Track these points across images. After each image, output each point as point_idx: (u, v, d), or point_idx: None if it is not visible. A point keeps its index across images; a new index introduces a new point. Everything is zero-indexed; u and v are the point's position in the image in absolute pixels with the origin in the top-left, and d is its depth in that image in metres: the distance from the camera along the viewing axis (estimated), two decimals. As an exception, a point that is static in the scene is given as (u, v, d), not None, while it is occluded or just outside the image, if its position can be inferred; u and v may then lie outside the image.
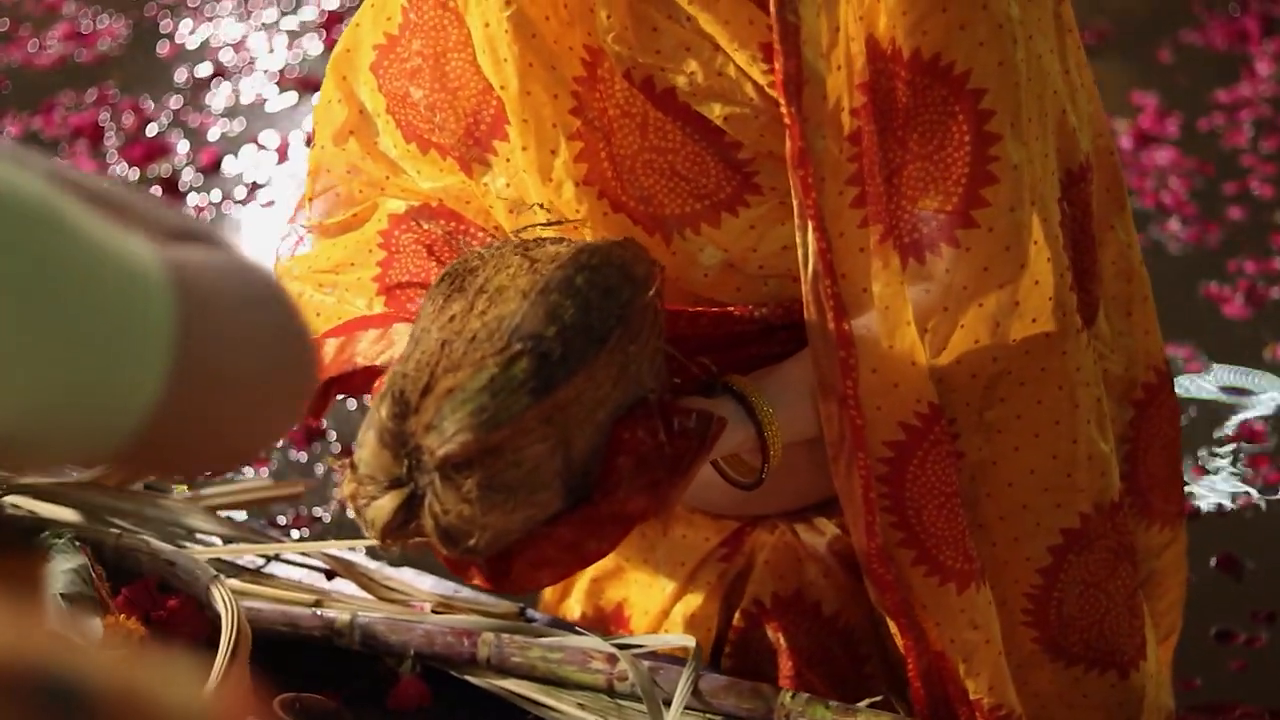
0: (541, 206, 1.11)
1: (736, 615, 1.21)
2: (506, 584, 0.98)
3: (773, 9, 1.00)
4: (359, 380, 1.11)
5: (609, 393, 0.97)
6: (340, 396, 1.19)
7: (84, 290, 0.54)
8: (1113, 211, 1.22)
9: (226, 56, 3.16)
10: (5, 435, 0.54)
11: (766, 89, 1.04)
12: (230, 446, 0.65)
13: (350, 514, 0.94)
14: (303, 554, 1.26)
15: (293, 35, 3.23)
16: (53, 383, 0.54)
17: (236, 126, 2.95)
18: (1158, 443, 1.26)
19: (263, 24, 3.27)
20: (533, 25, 1.06)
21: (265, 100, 3.02)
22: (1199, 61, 3.15)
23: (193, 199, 2.77)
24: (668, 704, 1.11)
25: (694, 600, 1.22)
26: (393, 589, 1.23)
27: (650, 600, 1.24)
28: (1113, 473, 1.14)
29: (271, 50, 3.19)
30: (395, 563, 1.29)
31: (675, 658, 1.16)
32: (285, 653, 1.17)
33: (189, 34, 3.23)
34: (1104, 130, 1.21)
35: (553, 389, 0.92)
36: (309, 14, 3.29)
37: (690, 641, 1.15)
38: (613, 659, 1.14)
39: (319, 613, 1.19)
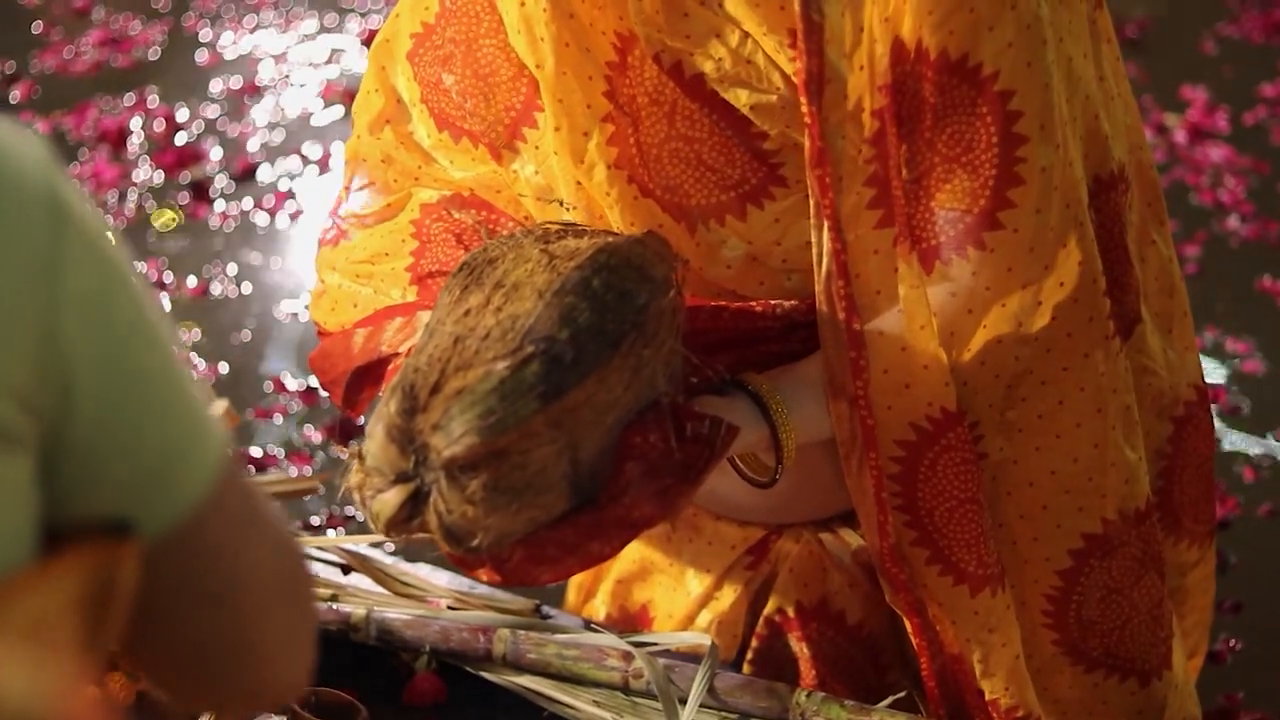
0: (563, 204, 1.14)
1: (760, 622, 1.23)
2: (506, 577, 1.00)
3: (797, 7, 1.01)
4: (385, 368, 1.13)
5: (620, 396, 0.98)
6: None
7: (171, 394, 0.62)
8: (1153, 225, 1.23)
9: (266, 68, 3.22)
10: (79, 440, 0.60)
11: (793, 77, 1.05)
12: (215, 644, 0.68)
13: (355, 503, 0.96)
14: (319, 548, 1.29)
15: (335, 51, 3.29)
16: (129, 422, 0.61)
17: (276, 137, 3.00)
18: (1193, 460, 1.27)
19: (303, 36, 3.33)
20: (570, 5, 1.08)
21: (310, 113, 3.08)
22: (1240, 54, 3.15)
23: (220, 205, 2.83)
24: (683, 702, 1.13)
25: (720, 607, 1.24)
26: (409, 584, 1.25)
27: (675, 604, 1.26)
28: (1139, 481, 1.15)
29: (312, 64, 3.25)
30: (411, 558, 1.32)
31: (691, 655, 1.19)
32: (301, 648, 1.20)
33: (230, 44, 3.30)
34: (1142, 143, 1.21)
35: (563, 393, 0.93)
36: (353, 27, 3.36)
37: (706, 639, 1.17)
38: (628, 656, 1.16)
39: (335, 607, 1.21)
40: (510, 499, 0.93)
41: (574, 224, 1.08)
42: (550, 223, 1.07)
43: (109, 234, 0.61)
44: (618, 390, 0.97)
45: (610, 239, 1.01)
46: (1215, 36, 3.20)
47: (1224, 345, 2.39)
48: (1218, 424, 2.24)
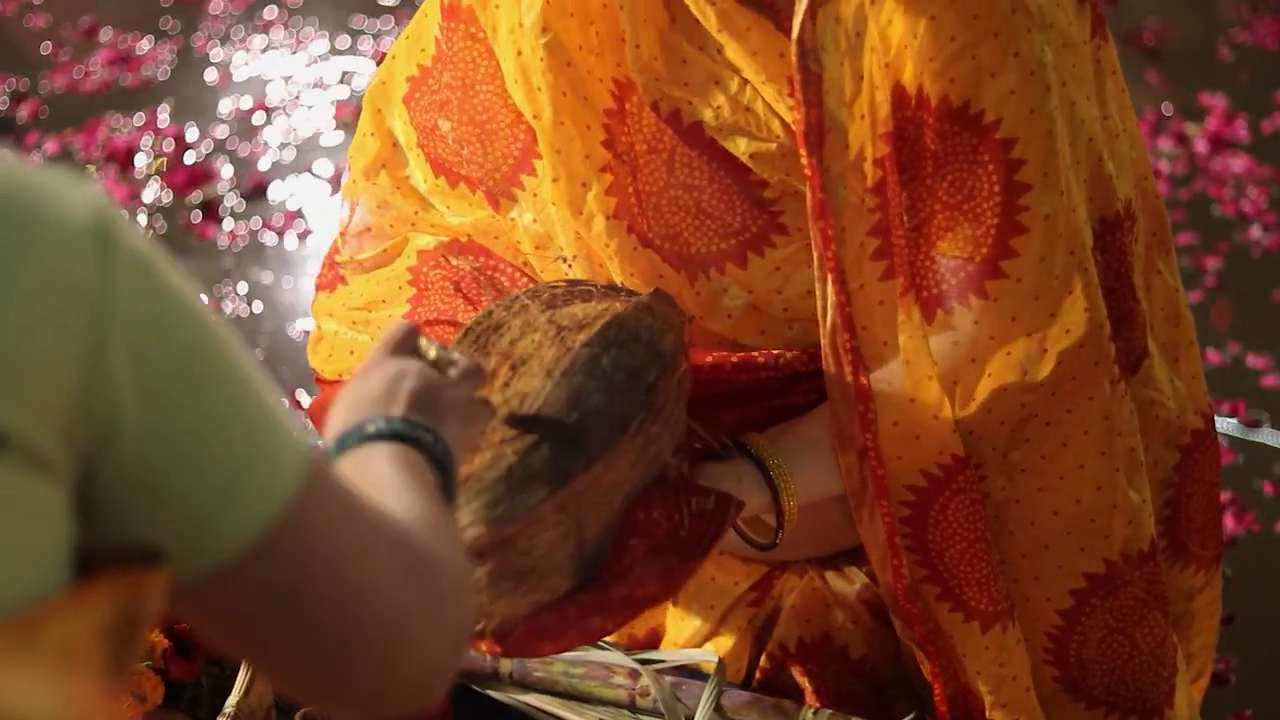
0: (564, 260, 1.14)
1: (764, 657, 1.25)
2: (508, 650, 1.01)
3: (794, 58, 1.01)
4: None
5: (627, 474, 0.98)
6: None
7: (237, 409, 0.62)
8: (1159, 255, 1.24)
9: (277, 88, 3.26)
10: (131, 473, 0.60)
11: (792, 125, 1.06)
12: (307, 667, 0.66)
13: None
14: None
15: (347, 73, 3.32)
16: (193, 446, 0.61)
17: (287, 156, 3.04)
18: (1200, 488, 1.29)
19: (315, 57, 3.37)
20: (568, 54, 1.08)
21: (320, 133, 3.11)
22: (1256, 61, 3.17)
23: (229, 224, 2.87)
24: (690, 719, 1.16)
25: (724, 643, 1.25)
26: (416, 603, 1.28)
27: (681, 635, 1.28)
28: (1143, 523, 1.16)
29: (323, 85, 3.29)
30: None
31: (697, 672, 1.21)
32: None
33: (242, 65, 3.34)
34: (1148, 174, 1.22)
35: (570, 479, 0.93)
36: (365, 49, 3.39)
37: (712, 657, 1.19)
38: (635, 674, 1.19)
39: (342, 627, 1.25)
40: (515, 584, 0.94)
41: (580, 282, 1.08)
42: (555, 284, 1.08)
43: (167, 262, 0.62)
44: (624, 469, 0.98)
45: (618, 309, 1.00)
46: (1230, 43, 3.22)
47: (1244, 360, 2.40)
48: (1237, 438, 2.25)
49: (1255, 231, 2.71)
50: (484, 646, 1.01)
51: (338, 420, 0.81)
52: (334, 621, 0.65)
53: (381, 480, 0.75)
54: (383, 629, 0.66)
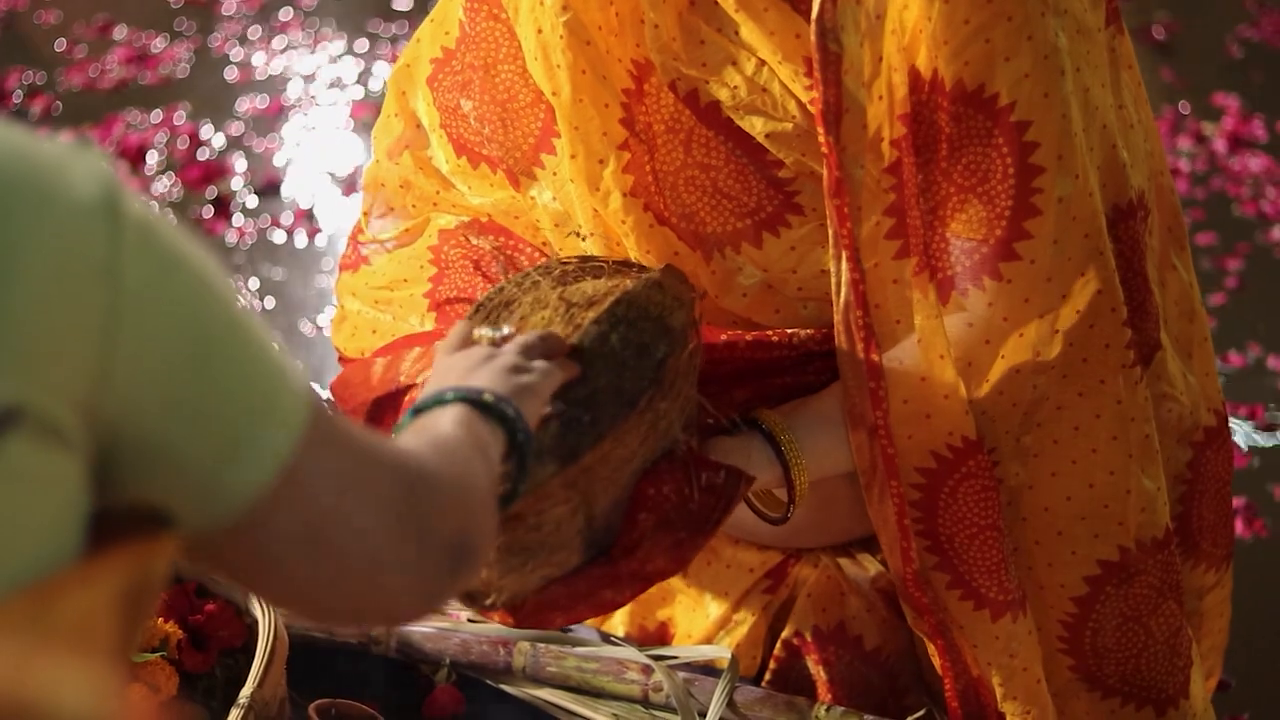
0: (579, 235, 1.15)
1: (778, 645, 1.25)
2: (520, 622, 1.02)
3: (814, 38, 1.02)
4: (404, 398, 1.15)
5: (636, 450, 0.99)
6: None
7: (243, 363, 0.64)
8: (1173, 251, 1.25)
9: (295, 87, 3.28)
10: (143, 439, 0.62)
11: (809, 106, 1.07)
12: (319, 593, 0.69)
13: None
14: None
15: (364, 73, 3.34)
16: (200, 408, 0.63)
17: (302, 155, 3.06)
18: (1212, 485, 1.29)
19: (332, 57, 3.39)
20: (587, 32, 1.10)
21: (337, 134, 3.13)
22: (1265, 58, 3.17)
23: (239, 221, 2.88)
24: (703, 715, 1.16)
25: (738, 630, 1.26)
26: (430, 597, 1.29)
27: (694, 626, 1.28)
28: (1157, 510, 1.16)
29: (340, 85, 3.30)
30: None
31: (710, 669, 1.21)
32: (321, 659, 1.22)
33: (261, 64, 3.36)
34: (1163, 168, 1.22)
35: (579, 456, 0.94)
36: (382, 51, 3.41)
37: (726, 653, 1.19)
38: (648, 670, 1.19)
39: (356, 620, 1.26)
40: (524, 559, 0.95)
41: (591, 258, 1.09)
42: (568, 260, 1.09)
43: (168, 225, 0.63)
44: (634, 445, 0.98)
45: (628, 285, 1.01)
46: (1238, 40, 3.22)
47: (1265, 362, 2.39)
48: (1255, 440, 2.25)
49: (1277, 232, 2.71)
50: (496, 617, 1.02)
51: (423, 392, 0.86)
52: (334, 554, 0.68)
53: (430, 429, 0.80)
54: (373, 559, 0.69)
